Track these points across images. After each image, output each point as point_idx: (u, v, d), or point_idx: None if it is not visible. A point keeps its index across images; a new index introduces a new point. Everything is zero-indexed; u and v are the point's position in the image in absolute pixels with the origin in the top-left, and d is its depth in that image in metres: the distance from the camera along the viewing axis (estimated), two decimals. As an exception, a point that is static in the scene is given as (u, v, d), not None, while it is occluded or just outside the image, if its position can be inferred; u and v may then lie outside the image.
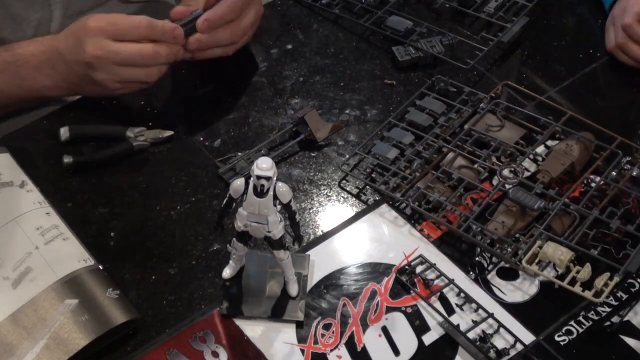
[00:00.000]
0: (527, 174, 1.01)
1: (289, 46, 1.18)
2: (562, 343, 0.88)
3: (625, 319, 0.89)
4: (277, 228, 0.85)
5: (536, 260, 0.92)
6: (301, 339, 0.89)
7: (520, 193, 0.95)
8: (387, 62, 1.16)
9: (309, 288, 0.92)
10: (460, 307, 0.91)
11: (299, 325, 0.90)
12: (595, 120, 1.05)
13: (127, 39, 0.99)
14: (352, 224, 0.99)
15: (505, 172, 1.01)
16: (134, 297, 0.91)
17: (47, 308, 0.87)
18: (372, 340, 0.89)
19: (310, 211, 1.00)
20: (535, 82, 1.14)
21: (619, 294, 0.91)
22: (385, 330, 0.89)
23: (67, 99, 1.13)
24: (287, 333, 0.89)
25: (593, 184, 1.00)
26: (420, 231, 0.98)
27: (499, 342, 0.88)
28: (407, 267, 0.93)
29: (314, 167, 1.04)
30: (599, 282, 0.88)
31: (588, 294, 0.88)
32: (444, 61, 1.14)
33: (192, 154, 1.06)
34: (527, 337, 0.88)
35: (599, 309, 0.90)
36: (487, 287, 0.92)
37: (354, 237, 0.98)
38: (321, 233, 0.98)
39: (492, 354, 0.86)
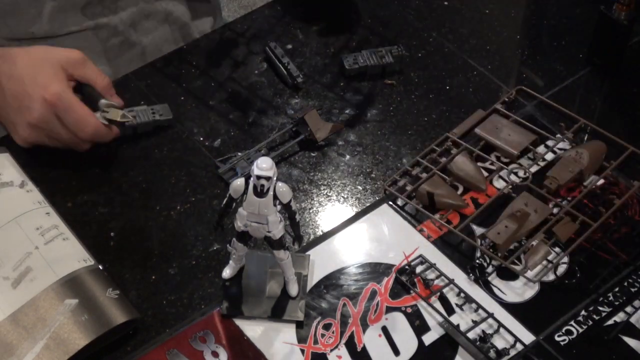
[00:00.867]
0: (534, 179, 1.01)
1: (289, 46, 1.18)
2: (562, 343, 0.88)
3: (626, 319, 0.89)
4: (277, 228, 0.85)
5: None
6: (301, 339, 0.89)
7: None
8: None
9: (309, 288, 0.92)
10: (460, 307, 0.91)
11: (299, 325, 0.90)
12: (598, 123, 1.06)
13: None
14: (352, 224, 0.99)
15: (512, 176, 1.01)
16: (134, 297, 0.91)
17: (47, 308, 0.87)
18: (372, 340, 0.89)
19: (310, 211, 1.00)
20: (535, 82, 1.14)
21: (619, 294, 0.92)
22: (385, 330, 0.89)
23: None
24: (287, 333, 0.89)
25: (599, 192, 1.00)
26: (421, 231, 0.98)
27: (499, 342, 0.88)
28: (407, 267, 0.93)
29: (314, 167, 1.04)
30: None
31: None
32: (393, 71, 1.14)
33: (192, 154, 1.06)
34: (527, 337, 0.88)
35: (600, 308, 0.90)
36: (487, 287, 0.92)
37: (354, 237, 0.98)
38: (321, 233, 0.98)
39: (492, 354, 0.86)
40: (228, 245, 0.90)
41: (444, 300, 0.91)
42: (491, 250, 0.94)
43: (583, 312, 0.90)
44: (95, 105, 1.01)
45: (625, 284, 0.92)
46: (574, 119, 1.07)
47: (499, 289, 0.92)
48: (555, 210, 0.97)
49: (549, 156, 1.04)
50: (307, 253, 0.95)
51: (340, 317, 0.90)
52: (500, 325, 0.88)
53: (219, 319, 0.90)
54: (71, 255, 0.91)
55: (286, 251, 0.88)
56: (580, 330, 0.89)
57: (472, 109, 1.09)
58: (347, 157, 1.05)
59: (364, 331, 0.89)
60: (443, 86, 1.14)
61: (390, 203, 1.00)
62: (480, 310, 0.90)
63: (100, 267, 0.92)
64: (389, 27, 1.21)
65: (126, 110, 1.05)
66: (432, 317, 0.90)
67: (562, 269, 0.94)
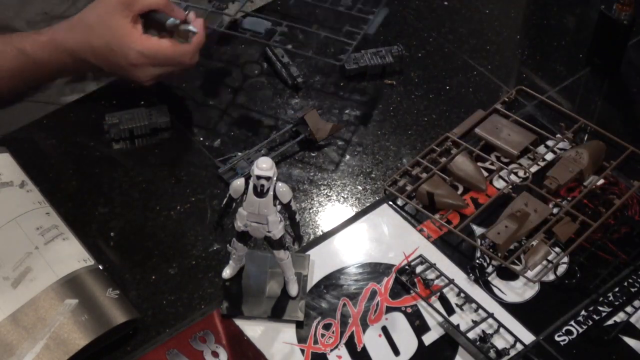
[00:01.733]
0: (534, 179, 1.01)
1: (289, 46, 1.18)
2: (562, 343, 0.88)
3: (626, 319, 0.89)
4: (277, 228, 0.85)
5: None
6: (301, 339, 0.89)
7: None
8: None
9: (309, 288, 0.92)
10: (460, 307, 0.91)
11: (299, 325, 0.90)
12: (598, 123, 1.06)
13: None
14: (352, 224, 0.99)
15: (512, 176, 1.01)
16: (134, 297, 0.91)
17: (47, 308, 0.87)
18: (372, 340, 0.89)
19: (310, 211, 1.00)
20: (535, 82, 1.14)
21: (619, 293, 0.92)
22: (385, 330, 0.89)
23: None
24: (287, 333, 0.89)
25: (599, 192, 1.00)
26: (421, 231, 0.98)
27: (499, 342, 0.88)
28: (407, 267, 0.93)
29: (314, 167, 1.04)
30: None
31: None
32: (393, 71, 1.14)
33: (192, 154, 1.06)
34: (527, 337, 0.88)
35: (600, 308, 0.90)
36: (487, 287, 0.92)
37: (354, 237, 0.98)
38: (321, 233, 0.98)
39: (492, 354, 0.86)
40: (228, 245, 0.90)
41: (444, 300, 0.91)
42: (491, 250, 0.94)
43: (583, 312, 0.90)
44: (164, 28, 1.03)
45: (625, 284, 0.92)
46: (574, 119, 1.07)
47: (499, 289, 0.92)
48: (555, 210, 0.98)
49: (549, 156, 1.04)
50: (307, 253, 0.95)
51: (340, 317, 0.90)
52: (500, 325, 0.88)
53: (219, 319, 0.90)
54: (71, 255, 0.91)
55: (286, 251, 0.88)
56: (580, 330, 0.89)
57: (472, 109, 1.09)
58: (347, 157, 1.05)
59: (364, 331, 0.89)
60: (443, 86, 1.14)
61: (390, 203, 1.00)
62: (480, 310, 0.90)
63: (100, 267, 0.92)
64: (389, 27, 1.21)
65: (123, 112, 1.05)
66: (432, 317, 0.90)
67: (562, 269, 0.94)
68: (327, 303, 0.92)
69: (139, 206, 1.00)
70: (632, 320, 0.89)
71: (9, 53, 1.03)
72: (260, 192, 0.81)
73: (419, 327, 0.90)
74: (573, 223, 0.96)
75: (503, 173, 1.02)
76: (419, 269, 0.94)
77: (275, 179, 0.81)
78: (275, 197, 0.82)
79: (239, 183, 0.83)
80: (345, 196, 1.02)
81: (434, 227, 0.98)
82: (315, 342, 0.89)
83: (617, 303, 0.91)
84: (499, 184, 1.01)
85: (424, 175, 1.01)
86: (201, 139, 1.07)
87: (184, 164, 1.05)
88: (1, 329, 0.86)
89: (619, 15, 1.08)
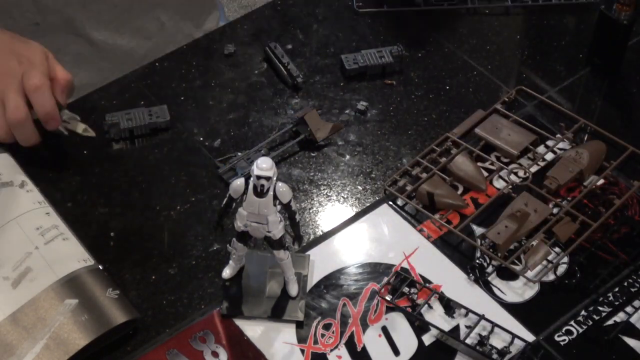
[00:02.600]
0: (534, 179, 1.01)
1: (289, 46, 1.18)
2: (562, 343, 0.88)
3: (626, 319, 0.89)
4: (277, 228, 0.85)
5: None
6: (301, 339, 0.89)
7: None
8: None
9: (309, 288, 0.92)
10: (450, 315, 0.90)
11: (299, 325, 0.90)
12: (598, 123, 1.06)
13: None
14: (352, 224, 0.99)
15: (512, 176, 1.01)
16: (134, 297, 0.91)
17: (47, 308, 0.87)
18: (372, 340, 0.89)
19: (310, 211, 1.00)
20: (535, 82, 1.14)
21: (619, 293, 0.92)
22: (385, 330, 0.89)
23: None
24: (287, 333, 0.89)
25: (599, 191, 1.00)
26: (420, 231, 0.98)
27: (497, 342, 0.87)
28: (389, 284, 0.91)
29: (314, 167, 1.05)
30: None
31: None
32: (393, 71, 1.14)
33: (192, 154, 1.06)
34: (527, 337, 0.88)
35: (600, 308, 0.90)
36: (487, 287, 0.92)
37: (354, 237, 0.98)
38: (321, 233, 0.98)
39: (494, 355, 0.86)
40: (228, 245, 0.90)
41: (432, 309, 0.90)
42: (491, 250, 0.94)
43: (583, 312, 0.90)
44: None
45: (625, 284, 0.92)
46: (574, 119, 1.07)
47: (499, 289, 0.92)
48: (555, 210, 0.98)
49: (549, 156, 1.04)
50: (307, 253, 0.95)
51: (340, 317, 0.90)
52: (494, 325, 0.88)
53: (219, 319, 0.90)
54: (71, 255, 0.91)
55: (286, 251, 0.88)
56: (580, 330, 0.89)
57: (472, 109, 1.09)
58: (347, 157, 1.05)
59: (364, 331, 0.89)
60: (443, 86, 1.14)
61: (390, 203, 1.00)
62: (470, 315, 0.89)
63: (100, 267, 0.92)
64: (389, 27, 1.21)
65: (123, 112, 1.05)
66: (432, 317, 0.90)
67: (562, 269, 0.94)
68: (327, 303, 0.92)
69: (139, 206, 1.00)
70: (632, 320, 0.90)
71: None
72: (260, 192, 0.81)
73: (419, 327, 0.90)
74: (573, 223, 0.96)
75: (503, 173, 1.02)
76: (401, 286, 0.91)
77: (275, 179, 0.81)
78: (275, 197, 0.82)
79: (238, 183, 0.83)
80: (345, 196, 1.02)
81: (434, 227, 0.98)
82: (315, 342, 0.89)
83: (617, 303, 0.91)
84: (499, 184, 1.01)
85: (424, 175, 1.01)
86: (201, 139, 1.07)
87: (184, 164, 1.05)
88: (1, 329, 0.86)
89: (619, 15, 1.08)
